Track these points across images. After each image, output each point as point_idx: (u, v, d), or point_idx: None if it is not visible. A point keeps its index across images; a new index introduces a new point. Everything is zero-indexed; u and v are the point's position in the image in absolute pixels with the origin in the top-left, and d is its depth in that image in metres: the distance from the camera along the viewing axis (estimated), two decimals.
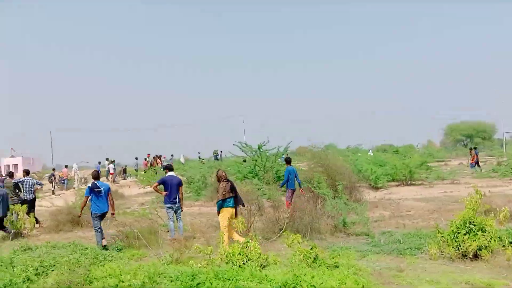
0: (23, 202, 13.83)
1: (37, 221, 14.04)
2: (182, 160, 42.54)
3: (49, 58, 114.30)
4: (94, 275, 7.11)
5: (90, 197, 10.47)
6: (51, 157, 64.01)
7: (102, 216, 10.59)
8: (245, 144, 19.46)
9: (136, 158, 38.36)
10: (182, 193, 11.30)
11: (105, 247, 10.07)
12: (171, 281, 6.54)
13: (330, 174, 12.78)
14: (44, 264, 8.08)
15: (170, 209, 10.90)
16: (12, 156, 57.18)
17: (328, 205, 9.97)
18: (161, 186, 11.09)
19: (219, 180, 9.37)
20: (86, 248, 9.32)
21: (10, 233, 12.14)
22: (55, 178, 29.24)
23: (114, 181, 31.77)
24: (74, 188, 30.16)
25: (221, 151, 49.36)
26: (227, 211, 9.02)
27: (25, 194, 14.21)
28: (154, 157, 36.87)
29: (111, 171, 32.67)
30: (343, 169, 13.31)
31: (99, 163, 34.62)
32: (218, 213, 9.18)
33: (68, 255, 8.55)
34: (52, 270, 7.88)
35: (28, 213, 13.61)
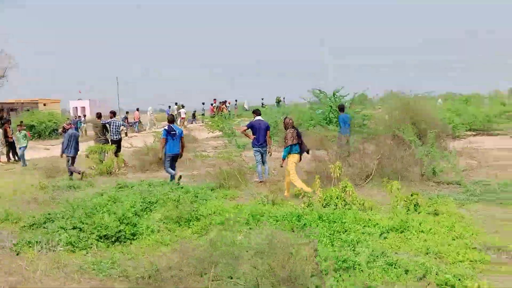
0: (111, 142, 14.54)
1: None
2: (246, 106, 42.81)
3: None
4: (200, 211, 7.43)
5: (166, 139, 11.07)
6: (117, 101, 66.26)
7: (174, 158, 11.30)
8: (319, 90, 19.19)
9: (203, 103, 39.00)
10: (269, 137, 11.45)
11: (180, 177, 10.93)
12: (277, 221, 6.72)
13: (417, 122, 12.46)
14: (147, 201, 8.54)
15: (258, 153, 11.10)
16: (80, 99, 59.53)
17: (419, 152, 9.76)
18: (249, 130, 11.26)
19: (286, 127, 9.56)
20: (182, 187, 9.72)
21: (79, 173, 12.61)
22: (127, 121, 30.34)
23: (184, 125, 32.63)
24: (145, 130, 31.27)
25: (283, 98, 49.33)
26: (294, 157, 9.25)
27: (111, 135, 14.85)
28: (220, 103, 37.32)
29: (183, 115, 33.55)
30: (430, 117, 12.92)
31: (169, 107, 35.52)
32: (283, 159, 9.44)
33: (167, 193, 8.99)
34: (155, 207, 8.33)
35: (115, 154, 14.31)
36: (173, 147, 11.12)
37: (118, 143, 14.83)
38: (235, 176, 10.51)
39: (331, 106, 18.19)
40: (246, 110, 40.94)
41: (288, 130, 9.41)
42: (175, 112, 33.85)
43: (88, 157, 13.82)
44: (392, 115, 13.92)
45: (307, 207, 7.38)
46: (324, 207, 7.50)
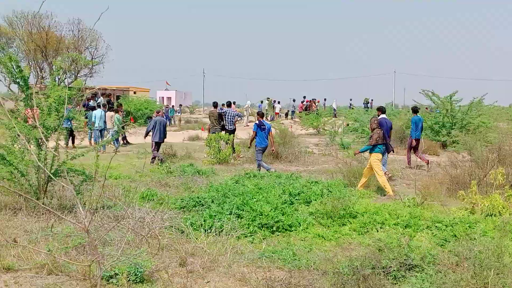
0: (225, 131, 14.73)
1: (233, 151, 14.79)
2: (334, 106, 42.20)
3: None
4: (356, 209, 7.19)
5: (256, 132, 11.93)
6: (202, 93, 67.84)
7: (263, 150, 12.07)
8: (432, 92, 18.36)
9: (294, 100, 38.97)
10: (389, 136, 11.35)
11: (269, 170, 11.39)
12: (446, 226, 6.35)
13: None
14: (290, 192, 8.42)
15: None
16: (167, 89, 61.34)
17: None
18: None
19: (372, 128, 9.94)
20: (317, 182, 9.52)
21: (161, 160, 13.05)
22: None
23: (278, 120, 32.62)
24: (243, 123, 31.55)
25: (371, 100, 48.23)
26: (377, 156, 9.58)
27: (227, 124, 15.04)
28: (310, 101, 37.01)
29: (277, 110, 33.79)
30: None
31: (261, 102, 35.81)
32: (358, 152, 10.44)
33: (308, 185, 8.88)
34: (297, 199, 8.20)
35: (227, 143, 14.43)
36: (263, 141, 11.98)
37: (232, 132, 14.99)
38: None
39: (447, 110, 17.32)
40: (335, 110, 40.35)
41: (375, 130, 9.77)
42: (266, 108, 34.01)
43: (208, 146, 14.01)
44: None
45: (469, 214, 6.94)
46: (489, 216, 6.99)
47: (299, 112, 33.94)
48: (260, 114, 12.78)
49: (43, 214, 6.95)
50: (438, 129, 17.51)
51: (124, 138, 18.87)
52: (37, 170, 7.01)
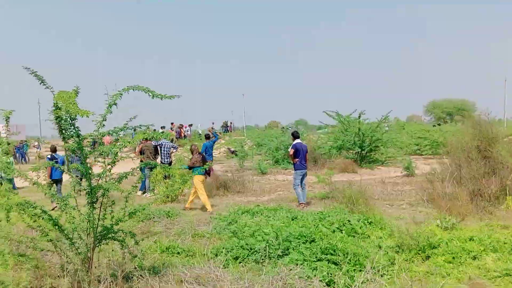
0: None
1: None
2: (199, 130, 41.91)
3: None
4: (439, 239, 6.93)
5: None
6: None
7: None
8: (337, 112, 19.32)
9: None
10: (306, 160, 11.55)
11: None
12: None
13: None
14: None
15: (299, 176, 11.13)
16: None
17: None
18: None
19: (192, 152, 11.53)
20: (322, 213, 9.06)
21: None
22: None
23: None
24: None
25: (231, 122, 49.20)
26: (199, 178, 10.98)
27: (162, 158, 13.66)
28: (179, 127, 36.16)
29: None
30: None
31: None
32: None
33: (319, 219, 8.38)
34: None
35: (166, 177, 13.12)
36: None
37: (169, 165, 13.62)
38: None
39: (359, 129, 18.33)
40: (200, 134, 40.10)
41: (194, 155, 11.31)
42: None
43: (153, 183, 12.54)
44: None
45: None
46: None
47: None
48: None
49: None
50: (350, 147, 18.45)
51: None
52: (88, 234, 5.35)
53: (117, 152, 5.33)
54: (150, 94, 5.39)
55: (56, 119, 5.28)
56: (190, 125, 41.60)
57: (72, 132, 5.07)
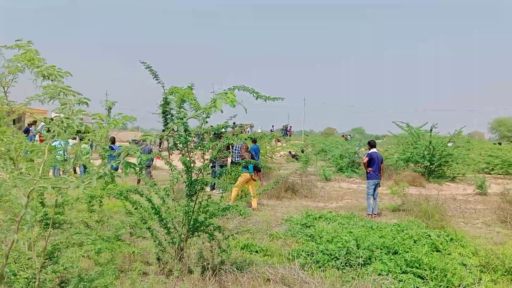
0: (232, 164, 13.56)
1: None
2: (259, 131, 42.14)
3: None
4: None
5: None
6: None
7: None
8: (407, 123, 18.97)
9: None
10: (381, 169, 11.35)
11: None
12: None
13: None
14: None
15: (372, 185, 10.96)
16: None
17: None
18: None
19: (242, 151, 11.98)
20: (398, 226, 8.94)
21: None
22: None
23: None
24: None
25: (290, 126, 49.32)
26: (245, 175, 11.22)
27: (234, 156, 13.91)
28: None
29: None
30: None
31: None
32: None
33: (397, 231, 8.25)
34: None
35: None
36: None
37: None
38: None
39: (430, 142, 17.91)
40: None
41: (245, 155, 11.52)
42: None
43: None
44: None
45: None
46: None
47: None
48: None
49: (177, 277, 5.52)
50: (418, 160, 18.04)
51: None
52: (183, 225, 5.57)
53: (220, 149, 5.51)
54: (255, 95, 5.53)
55: (163, 113, 5.52)
56: (251, 126, 41.90)
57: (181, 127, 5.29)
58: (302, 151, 26.54)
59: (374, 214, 10.75)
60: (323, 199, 13.39)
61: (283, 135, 45.47)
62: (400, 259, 6.31)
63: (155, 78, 5.60)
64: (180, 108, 5.30)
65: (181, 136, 5.30)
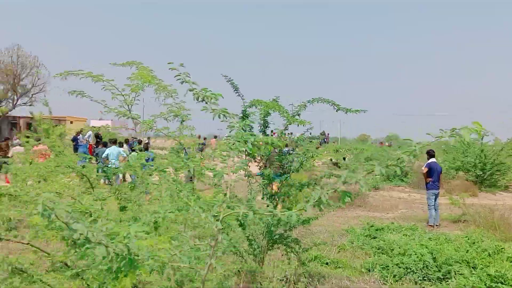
0: None
1: None
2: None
3: None
4: None
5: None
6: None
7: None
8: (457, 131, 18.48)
9: None
10: (439, 180, 11.18)
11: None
12: None
13: None
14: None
15: (432, 196, 10.73)
16: (101, 119, 57.82)
17: None
18: None
19: None
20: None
21: None
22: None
23: None
24: None
25: (328, 133, 49.01)
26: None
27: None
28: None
29: None
30: None
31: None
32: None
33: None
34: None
35: None
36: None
37: None
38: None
39: (482, 150, 17.44)
40: None
41: None
42: None
43: None
44: None
45: None
46: None
47: None
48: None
49: None
50: (469, 169, 17.58)
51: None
52: (264, 237, 5.54)
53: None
54: (335, 106, 5.49)
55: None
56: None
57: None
58: (344, 159, 26.18)
59: (436, 225, 10.49)
60: (378, 208, 13.17)
61: (322, 142, 45.23)
62: (483, 274, 6.10)
63: (235, 91, 5.62)
64: (263, 121, 5.32)
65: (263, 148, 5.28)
